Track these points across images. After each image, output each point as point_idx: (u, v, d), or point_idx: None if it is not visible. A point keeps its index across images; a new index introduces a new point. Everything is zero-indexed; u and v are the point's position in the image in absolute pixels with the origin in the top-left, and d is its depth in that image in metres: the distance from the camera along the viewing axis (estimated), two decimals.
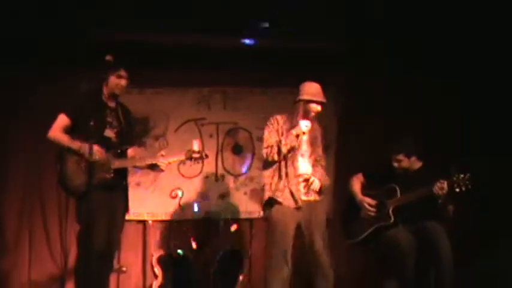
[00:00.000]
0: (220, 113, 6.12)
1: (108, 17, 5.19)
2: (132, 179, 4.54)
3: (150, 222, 5.87)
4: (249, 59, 5.92)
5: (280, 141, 4.40)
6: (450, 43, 5.68)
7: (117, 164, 4.18)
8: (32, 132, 5.44)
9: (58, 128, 4.16)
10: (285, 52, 5.89)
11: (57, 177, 4.18)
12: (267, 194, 4.48)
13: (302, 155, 4.49)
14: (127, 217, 4.59)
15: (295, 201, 4.40)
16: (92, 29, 5.33)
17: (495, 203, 5.67)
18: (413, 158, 4.70)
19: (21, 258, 5.63)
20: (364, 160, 5.42)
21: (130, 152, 4.36)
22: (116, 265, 5.13)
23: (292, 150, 4.40)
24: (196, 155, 4.29)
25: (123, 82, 4.25)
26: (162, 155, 4.30)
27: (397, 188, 4.61)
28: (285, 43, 5.82)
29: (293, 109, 4.57)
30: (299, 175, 4.45)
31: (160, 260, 5.71)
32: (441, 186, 4.34)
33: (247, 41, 5.86)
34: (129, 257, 5.75)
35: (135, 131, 4.68)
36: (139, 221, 5.85)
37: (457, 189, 4.30)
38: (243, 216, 6.04)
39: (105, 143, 4.17)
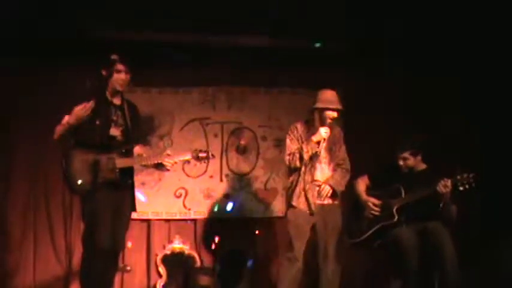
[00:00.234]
0: (225, 113, 6.12)
1: (111, 16, 5.19)
2: (136, 178, 4.48)
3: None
4: (254, 59, 5.91)
5: (301, 148, 4.55)
6: (451, 41, 5.68)
7: (122, 163, 4.15)
8: (37, 131, 5.45)
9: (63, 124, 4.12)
10: (289, 52, 5.89)
11: (62, 176, 4.16)
12: (288, 199, 4.71)
13: (319, 162, 4.64)
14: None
15: (309, 206, 4.56)
16: (96, 29, 5.34)
17: (496, 203, 5.66)
18: (418, 157, 4.73)
19: (26, 257, 5.63)
20: (368, 161, 5.41)
21: (136, 150, 4.31)
22: (120, 264, 5.13)
23: (314, 156, 4.56)
24: (203, 155, 4.29)
25: (122, 76, 4.18)
26: (168, 155, 4.27)
27: (402, 188, 4.63)
28: (289, 43, 5.82)
29: (309, 116, 4.75)
30: (315, 181, 4.61)
31: (164, 260, 5.73)
32: (445, 184, 4.36)
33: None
34: (133, 256, 5.74)
35: (142, 129, 4.63)
36: (143, 220, 5.85)
37: (461, 188, 4.34)
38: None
39: (110, 141, 4.14)
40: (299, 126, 4.73)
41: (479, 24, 5.29)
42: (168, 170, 4.35)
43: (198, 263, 5.80)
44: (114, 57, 4.08)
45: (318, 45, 5.78)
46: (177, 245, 5.81)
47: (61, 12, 5.12)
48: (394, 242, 4.53)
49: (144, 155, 4.31)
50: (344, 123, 5.81)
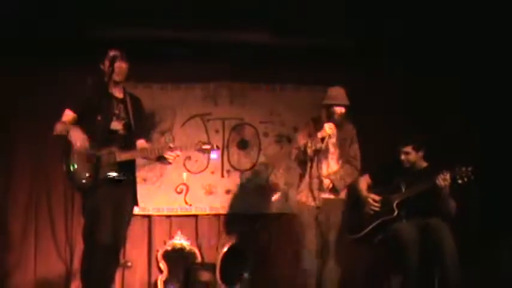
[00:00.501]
0: (227, 109, 6.12)
1: (111, 14, 5.18)
2: (138, 174, 4.45)
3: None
4: (256, 55, 5.90)
5: (306, 143, 4.61)
6: (451, 41, 5.67)
7: (122, 156, 4.07)
8: (38, 130, 5.45)
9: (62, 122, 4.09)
10: (291, 49, 5.88)
11: (63, 172, 4.08)
12: (295, 192, 4.88)
13: (326, 157, 4.71)
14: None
15: (314, 199, 4.63)
16: (96, 28, 5.33)
17: (496, 202, 5.65)
18: (420, 153, 4.74)
19: (28, 253, 5.65)
20: (369, 160, 5.40)
21: (139, 144, 4.26)
22: (121, 260, 5.12)
23: (318, 152, 4.60)
24: (206, 147, 4.22)
25: (117, 64, 4.09)
26: (170, 147, 4.18)
27: (402, 184, 4.64)
28: (290, 40, 5.81)
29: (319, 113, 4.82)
30: (320, 175, 4.66)
31: (165, 255, 5.73)
32: (444, 178, 4.37)
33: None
34: (134, 252, 5.74)
35: (146, 123, 4.56)
36: (144, 216, 5.85)
37: (460, 181, 4.35)
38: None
39: (111, 135, 4.08)
40: (311, 123, 4.82)
41: (478, 24, 5.29)
42: (170, 163, 4.26)
43: (199, 259, 5.80)
44: (113, 52, 4.06)
45: None
46: (178, 241, 5.81)
47: (61, 12, 5.11)
48: (394, 236, 4.53)
49: (145, 149, 4.24)
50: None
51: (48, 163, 5.57)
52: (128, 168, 4.17)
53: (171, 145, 4.20)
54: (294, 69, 6.06)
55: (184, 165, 5.98)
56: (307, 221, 4.65)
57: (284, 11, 5.25)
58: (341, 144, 4.75)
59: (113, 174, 4.04)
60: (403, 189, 4.63)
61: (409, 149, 4.71)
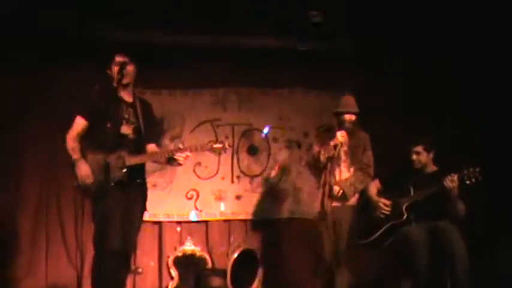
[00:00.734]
0: (235, 114, 6.13)
1: (122, 18, 5.20)
2: (148, 180, 4.44)
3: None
4: (264, 60, 5.91)
5: (319, 151, 4.72)
6: (452, 41, 5.67)
7: (132, 160, 4.05)
8: (49, 131, 5.45)
9: (73, 135, 4.09)
10: (299, 53, 5.88)
11: (73, 178, 4.08)
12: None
13: (339, 165, 4.85)
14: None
15: (326, 206, 4.64)
16: (96, 29, 5.33)
17: (501, 202, 5.63)
18: (431, 155, 4.73)
19: (38, 258, 5.65)
20: (380, 162, 5.39)
21: (150, 148, 4.24)
22: (132, 266, 5.12)
23: (331, 159, 4.65)
24: (218, 146, 4.17)
25: (119, 66, 4.09)
26: (180, 149, 4.15)
27: (411, 188, 4.62)
28: (299, 44, 5.82)
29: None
30: (332, 182, 4.76)
31: (176, 261, 5.73)
32: (452, 179, 4.37)
33: None
34: (145, 258, 5.74)
35: (156, 127, 4.54)
36: (155, 222, 5.85)
37: (468, 182, 4.35)
38: (258, 217, 6.03)
39: (121, 140, 4.07)
40: (324, 131, 5.02)
41: (478, 23, 5.28)
42: (180, 164, 4.21)
43: (210, 265, 5.79)
44: (119, 58, 4.08)
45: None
46: (189, 247, 5.80)
47: (61, 13, 5.12)
48: (403, 239, 4.51)
49: (154, 152, 4.23)
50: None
51: (58, 166, 5.56)
52: (138, 173, 4.17)
53: (181, 146, 4.18)
54: (296, 72, 6.06)
55: (194, 171, 5.99)
56: (325, 229, 4.74)
57: (291, 14, 5.26)
58: (353, 151, 4.85)
59: (121, 174, 4.02)
60: (412, 193, 4.62)
61: (420, 148, 4.70)
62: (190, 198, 5.96)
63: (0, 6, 4.88)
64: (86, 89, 4.30)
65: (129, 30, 5.36)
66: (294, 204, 6.03)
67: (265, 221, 6.05)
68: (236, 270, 5.63)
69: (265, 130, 5.92)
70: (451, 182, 4.37)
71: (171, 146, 5.72)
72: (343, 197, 4.76)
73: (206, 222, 5.99)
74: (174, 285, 5.67)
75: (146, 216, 4.55)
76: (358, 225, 4.82)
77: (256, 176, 6.11)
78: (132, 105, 4.22)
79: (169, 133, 5.95)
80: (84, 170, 3.98)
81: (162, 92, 5.99)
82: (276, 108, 6.15)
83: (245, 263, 5.67)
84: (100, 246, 4.03)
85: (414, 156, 4.72)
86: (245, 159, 6.13)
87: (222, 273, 5.61)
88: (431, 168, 4.76)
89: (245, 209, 6.03)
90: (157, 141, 4.42)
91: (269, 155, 6.13)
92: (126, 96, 4.22)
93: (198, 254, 5.80)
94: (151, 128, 4.32)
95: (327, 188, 4.67)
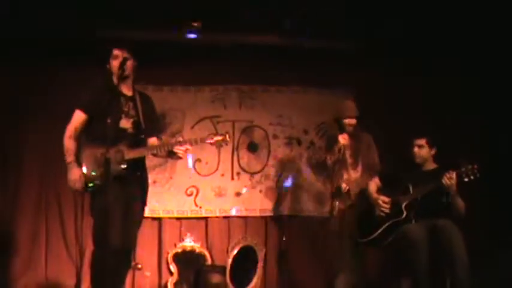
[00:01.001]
0: (236, 111, 6.13)
1: (122, 15, 5.19)
2: (148, 176, 4.42)
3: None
4: (264, 58, 5.91)
5: (326, 156, 5.00)
6: (451, 41, 5.67)
7: (131, 154, 4.01)
8: (48, 127, 5.45)
9: (71, 130, 4.06)
10: (300, 51, 5.89)
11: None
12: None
13: (346, 167, 5.00)
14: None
15: (334, 207, 4.94)
16: (96, 28, 5.33)
17: (503, 201, 5.65)
18: (432, 151, 4.72)
19: (38, 254, 5.67)
20: (380, 162, 5.40)
21: (151, 141, 4.20)
22: (132, 262, 5.11)
23: (337, 162, 4.89)
24: (218, 138, 4.12)
25: (120, 59, 4.03)
26: (180, 142, 4.13)
27: (410, 186, 4.62)
28: (300, 42, 5.82)
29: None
30: (339, 184, 4.97)
31: (175, 258, 5.74)
32: (450, 177, 4.37)
33: None
34: (144, 254, 5.74)
35: (157, 121, 4.47)
36: (154, 218, 5.86)
37: (466, 179, 4.34)
38: (258, 214, 6.04)
39: (120, 134, 4.02)
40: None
41: (478, 23, 5.29)
42: (180, 157, 4.17)
43: (209, 261, 5.80)
44: (116, 52, 4.06)
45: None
46: (188, 243, 5.81)
47: (61, 12, 5.12)
48: (403, 238, 4.49)
49: (153, 145, 4.19)
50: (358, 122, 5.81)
51: (58, 164, 5.51)
52: (137, 167, 4.12)
53: (181, 139, 4.17)
54: (297, 70, 6.06)
55: (194, 167, 5.99)
56: (336, 227, 4.95)
57: (294, 12, 5.26)
58: (358, 153, 4.99)
59: (121, 168, 3.98)
60: (411, 191, 4.61)
61: (423, 142, 4.70)
62: (190, 195, 5.97)
63: (0, 6, 4.88)
64: (86, 88, 4.28)
65: (129, 29, 5.34)
66: (293, 202, 6.03)
67: (264, 218, 6.05)
68: (235, 266, 5.64)
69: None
70: (449, 179, 4.37)
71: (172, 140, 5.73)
72: (349, 195, 4.90)
73: (206, 218, 5.99)
74: (174, 281, 5.68)
75: (146, 212, 4.52)
76: (358, 223, 4.83)
77: (256, 172, 6.11)
78: (131, 98, 4.17)
79: (170, 129, 5.96)
80: (74, 175, 3.96)
81: (164, 88, 6.00)
82: (276, 105, 6.15)
83: (245, 260, 5.68)
84: (100, 242, 3.98)
85: (416, 149, 4.71)
86: (245, 156, 6.13)
87: (221, 269, 5.62)
88: (431, 165, 4.75)
89: (245, 206, 6.03)
90: (158, 135, 4.36)
91: (269, 152, 6.14)
92: (126, 89, 4.17)
93: (197, 250, 5.81)
94: (152, 122, 4.26)
95: (335, 189, 4.90)
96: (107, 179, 3.87)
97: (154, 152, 4.18)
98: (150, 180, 4.69)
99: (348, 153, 4.98)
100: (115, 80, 4.07)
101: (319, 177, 5.96)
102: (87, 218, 5.48)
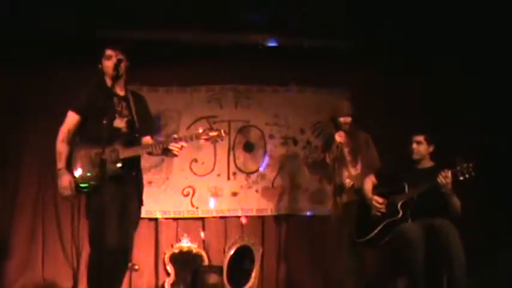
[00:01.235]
0: (232, 111, 6.13)
1: (113, 13, 5.18)
2: (144, 177, 4.39)
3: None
4: (261, 57, 5.90)
5: (324, 155, 5.07)
6: (451, 40, 5.68)
7: (125, 153, 3.97)
8: (48, 127, 5.39)
9: (65, 132, 4.03)
10: (296, 50, 5.89)
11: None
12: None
13: (346, 165, 5.06)
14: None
15: (337, 204, 5.02)
16: (96, 28, 5.32)
17: (502, 201, 5.65)
18: (430, 148, 4.70)
19: (35, 255, 5.66)
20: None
21: (145, 140, 4.17)
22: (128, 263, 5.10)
23: (336, 160, 4.98)
24: (213, 133, 4.07)
25: (114, 60, 4.00)
26: (175, 139, 4.06)
27: (406, 185, 4.60)
28: (296, 41, 5.81)
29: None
30: (341, 181, 5.04)
31: (172, 258, 5.73)
32: (445, 175, 4.34)
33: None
34: (141, 255, 5.73)
35: (151, 120, 4.41)
36: (151, 219, 5.85)
37: (461, 178, 4.31)
38: (254, 213, 6.03)
39: (115, 133, 3.98)
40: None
41: (478, 23, 5.30)
42: (175, 155, 4.11)
43: (206, 262, 5.79)
44: (109, 52, 4.03)
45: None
46: (185, 244, 5.81)
47: (61, 12, 5.12)
48: (399, 237, 4.47)
49: (148, 143, 4.14)
50: (356, 122, 5.82)
51: (55, 164, 5.55)
52: (133, 167, 4.09)
53: (176, 136, 4.11)
54: (296, 70, 6.06)
55: (190, 167, 5.99)
56: (338, 224, 5.03)
57: (289, 12, 5.25)
58: (356, 151, 5.05)
59: (116, 167, 3.94)
60: (407, 190, 4.59)
61: (421, 138, 4.68)
62: (186, 195, 5.96)
63: (0, 6, 4.87)
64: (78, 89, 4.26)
65: (129, 29, 5.34)
66: (290, 201, 6.03)
67: (261, 218, 6.04)
68: (233, 267, 5.64)
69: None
70: (445, 178, 4.34)
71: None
72: (354, 190, 4.96)
73: (202, 219, 5.98)
74: (171, 282, 5.67)
75: (143, 213, 4.50)
76: (355, 222, 4.83)
77: (252, 172, 6.10)
78: (124, 98, 4.14)
79: (165, 130, 5.95)
80: (64, 182, 3.93)
81: (159, 89, 6.00)
82: (272, 105, 6.15)
83: (242, 260, 5.68)
84: (96, 243, 3.94)
85: (414, 145, 4.68)
86: (241, 156, 6.12)
87: (218, 270, 5.62)
88: (428, 163, 4.72)
89: (241, 206, 6.02)
90: (152, 133, 4.32)
91: (265, 151, 6.13)
92: (118, 89, 4.12)
93: (194, 250, 5.80)
94: (145, 121, 4.23)
95: (337, 187, 4.96)
96: (102, 179, 3.83)
97: (150, 150, 4.11)
98: (146, 181, 4.68)
99: (346, 151, 5.03)
100: (108, 80, 4.06)
101: (315, 176, 5.96)
102: (83, 220, 5.45)
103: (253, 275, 5.66)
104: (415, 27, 5.44)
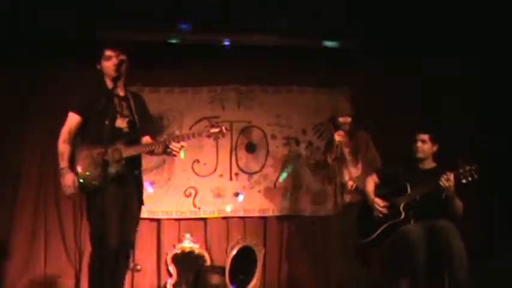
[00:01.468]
0: (234, 112, 6.12)
1: (123, 15, 5.19)
2: (146, 178, 4.39)
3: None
4: (263, 58, 5.90)
5: (326, 155, 5.13)
6: (452, 40, 5.67)
7: (128, 152, 3.99)
8: (48, 127, 5.42)
9: (66, 133, 4.05)
10: (299, 51, 5.88)
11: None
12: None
13: (347, 165, 5.12)
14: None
15: (337, 204, 5.01)
16: (96, 28, 5.32)
17: (503, 201, 5.65)
18: (434, 148, 4.70)
19: (37, 255, 5.66)
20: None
21: (145, 140, 4.19)
22: (130, 263, 5.10)
23: (337, 160, 4.96)
24: (215, 130, 4.10)
25: (114, 61, 4.04)
26: (177, 136, 4.07)
27: (408, 186, 4.60)
28: (299, 41, 5.81)
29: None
30: (342, 182, 5.07)
31: (174, 259, 5.73)
32: (447, 178, 4.34)
33: None
34: (143, 256, 5.73)
35: (150, 120, 4.43)
36: (153, 220, 5.85)
37: (464, 180, 4.31)
38: (257, 214, 6.02)
39: (116, 133, 4.00)
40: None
41: (478, 23, 5.30)
42: (175, 155, 4.12)
43: (208, 262, 5.79)
44: (108, 53, 4.05)
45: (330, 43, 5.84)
46: (187, 244, 5.80)
47: (61, 12, 5.12)
48: (401, 238, 4.48)
49: (149, 142, 4.16)
50: (357, 121, 5.83)
51: (57, 164, 5.53)
52: (134, 166, 4.12)
53: (177, 132, 4.15)
54: (296, 70, 6.06)
55: (192, 168, 5.99)
56: (340, 225, 5.03)
57: (291, 12, 5.25)
58: (356, 150, 5.09)
59: (119, 167, 3.96)
60: (409, 191, 4.59)
61: (426, 137, 4.67)
62: (188, 196, 5.96)
63: (0, 6, 4.87)
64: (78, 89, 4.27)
65: (129, 29, 5.33)
66: (292, 202, 6.03)
67: (263, 218, 6.03)
68: (235, 267, 5.64)
69: None
70: (447, 180, 4.34)
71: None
72: (357, 191, 4.98)
73: (204, 219, 5.97)
74: (173, 282, 5.67)
75: (144, 214, 4.51)
76: (357, 223, 4.84)
77: (255, 173, 6.10)
78: (124, 98, 4.17)
79: (167, 130, 5.93)
80: (68, 181, 3.96)
81: (161, 90, 6.00)
82: (274, 106, 6.15)
83: (244, 260, 5.67)
84: (97, 243, 3.96)
85: (419, 144, 4.67)
86: (243, 156, 6.11)
87: (220, 270, 5.61)
88: (431, 163, 4.72)
89: (243, 206, 6.02)
90: (152, 133, 4.34)
91: (267, 152, 6.12)
92: (119, 89, 4.14)
93: (196, 251, 5.80)
94: (145, 121, 4.25)
95: (338, 187, 4.96)
96: (105, 179, 3.84)
97: (151, 148, 4.12)
98: (148, 181, 4.67)
99: (346, 151, 5.08)
100: (107, 80, 4.08)
101: (317, 177, 5.96)
102: (86, 220, 5.46)
103: (255, 275, 5.66)
104: (415, 27, 5.43)
